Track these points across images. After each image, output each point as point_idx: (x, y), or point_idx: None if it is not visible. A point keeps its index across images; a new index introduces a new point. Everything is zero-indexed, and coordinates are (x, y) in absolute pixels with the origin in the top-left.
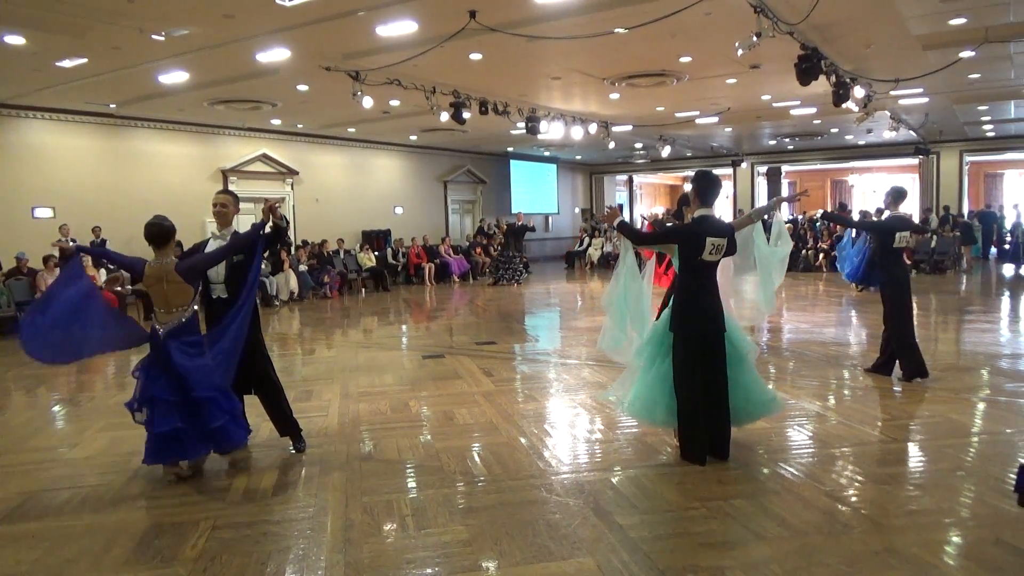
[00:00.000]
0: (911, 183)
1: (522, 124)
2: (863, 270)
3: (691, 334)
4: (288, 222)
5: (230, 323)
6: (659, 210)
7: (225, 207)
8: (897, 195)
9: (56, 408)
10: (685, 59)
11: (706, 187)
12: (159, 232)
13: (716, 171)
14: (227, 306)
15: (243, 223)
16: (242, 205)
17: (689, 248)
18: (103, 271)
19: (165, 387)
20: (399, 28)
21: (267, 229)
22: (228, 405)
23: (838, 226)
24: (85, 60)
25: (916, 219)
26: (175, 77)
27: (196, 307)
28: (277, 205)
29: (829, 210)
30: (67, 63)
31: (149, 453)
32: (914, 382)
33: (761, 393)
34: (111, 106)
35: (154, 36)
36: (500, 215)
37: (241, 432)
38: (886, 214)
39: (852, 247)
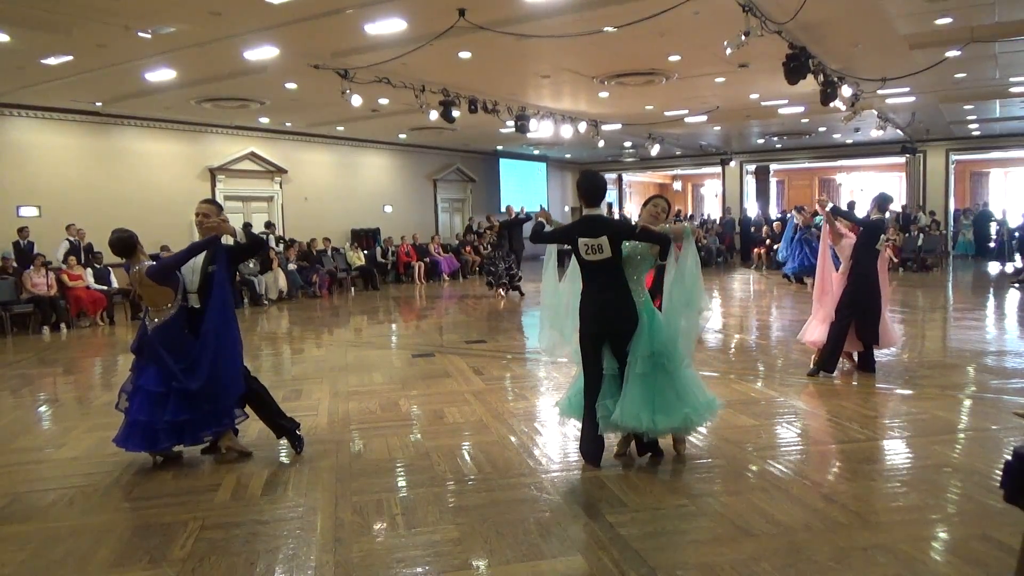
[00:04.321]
0: (898, 182)
1: (511, 122)
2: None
3: (583, 332)
4: (240, 235)
5: (205, 332)
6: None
7: (207, 216)
8: (883, 201)
9: (42, 408)
10: (674, 58)
11: (588, 187)
12: (116, 243)
13: (704, 169)
14: (200, 316)
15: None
16: (231, 204)
17: (571, 248)
18: (89, 270)
19: (151, 379)
20: (388, 26)
21: (229, 241)
22: (206, 406)
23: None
24: (71, 57)
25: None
26: (162, 75)
27: (180, 304)
28: (225, 220)
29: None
30: (52, 60)
31: (119, 437)
32: (898, 379)
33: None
34: (97, 104)
35: (140, 33)
36: (490, 213)
37: (207, 430)
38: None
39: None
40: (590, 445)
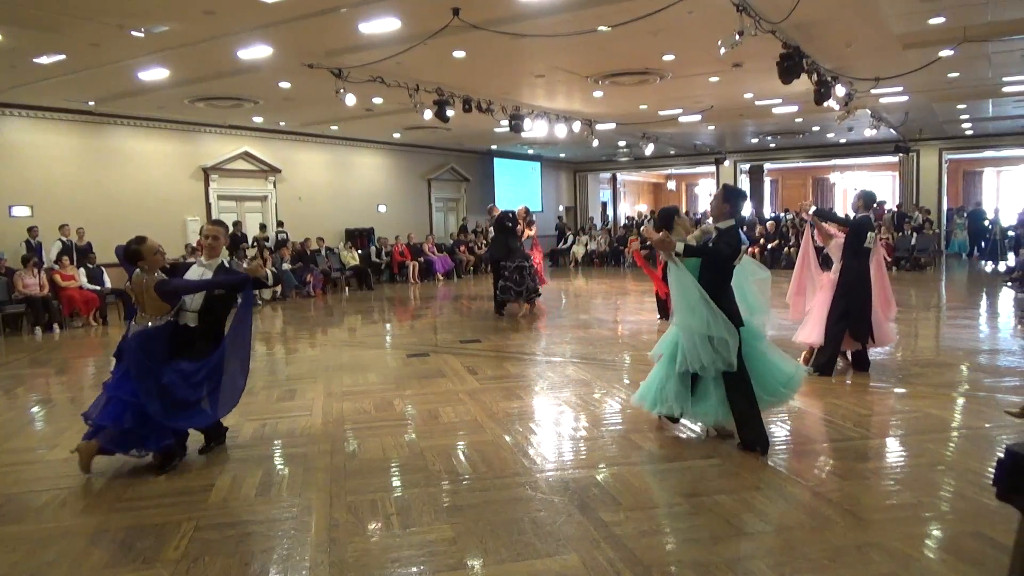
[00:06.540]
0: (892, 181)
1: (506, 122)
2: None
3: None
4: (270, 278)
5: (218, 360)
6: (642, 208)
7: (216, 239)
8: (868, 199)
9: (35, 409)
10: (668, 57)
11: (737, 198)
12: (125, 255)
13: (699, 168)
14: (193, 335)
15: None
16: (224, 203)
17: (736, 254)
18: (82, 270)
19: (123, 386)
20: (382, 25)
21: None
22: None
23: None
24: (63, 57)
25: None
26: (155, 74)
27: (169, 319)
28: (260, 265)
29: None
30: (45, 60)
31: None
32: (892, 378)
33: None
34: (90, 103)
35: (133, 32)
36: (486, 213)
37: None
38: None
39: None
40: (761, 433)
